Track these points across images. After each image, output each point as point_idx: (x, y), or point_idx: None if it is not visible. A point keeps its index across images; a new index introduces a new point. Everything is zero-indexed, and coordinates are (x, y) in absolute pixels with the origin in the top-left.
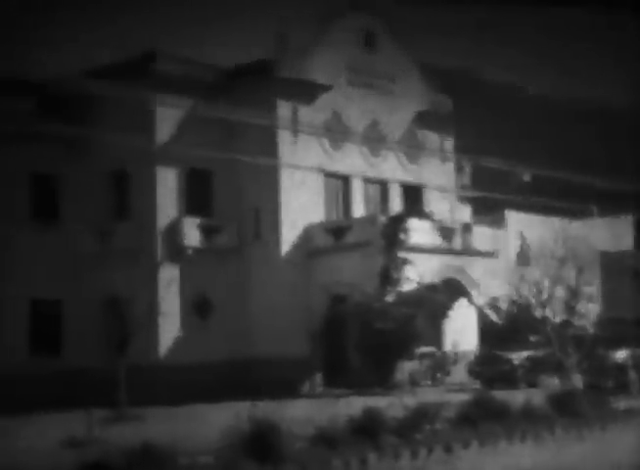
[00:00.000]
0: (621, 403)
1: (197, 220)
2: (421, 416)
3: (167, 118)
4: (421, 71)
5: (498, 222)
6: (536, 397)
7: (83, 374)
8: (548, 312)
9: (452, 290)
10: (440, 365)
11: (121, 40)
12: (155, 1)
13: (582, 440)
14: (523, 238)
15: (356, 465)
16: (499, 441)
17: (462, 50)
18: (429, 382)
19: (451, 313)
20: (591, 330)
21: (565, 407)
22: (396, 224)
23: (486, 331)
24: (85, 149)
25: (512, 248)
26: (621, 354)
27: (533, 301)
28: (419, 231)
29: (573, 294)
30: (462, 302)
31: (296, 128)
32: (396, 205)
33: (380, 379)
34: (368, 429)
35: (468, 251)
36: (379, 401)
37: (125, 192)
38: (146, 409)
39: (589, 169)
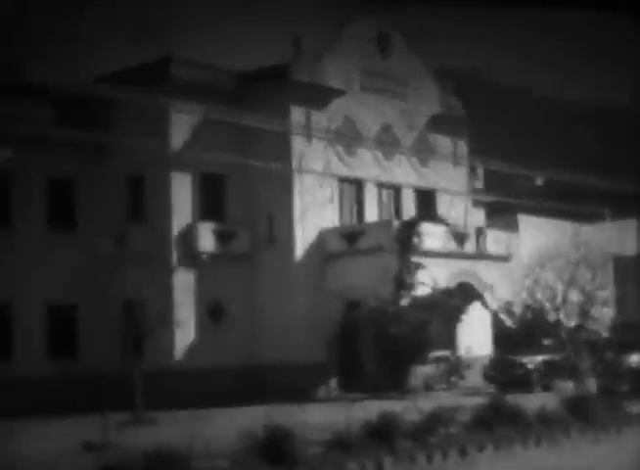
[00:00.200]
0: (636, 408)
1: (211, 225)
2: (436, 420)
3: (182, 123)
4: (433, 75)
5: (511, 226)
6: (551, 401)
7: (99, 378)
8: (562, 316)
9: (466, 294)
10: (455, 369)
11: (137, 45)
12: (170, 7)
13: (597, 444)
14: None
15: (372, 469)
16: (514, 445)
17: (473, 53)
18: (443, 386)
19: (465, 318)
20: (605, 334)
21: (579, 412)
22: (410, 229)
23: (500, 335)
24: (101, 154)
25: (525, 252)
26: (636, 358)
27: (547, 305)
28: (432, 236)
29: (587, 298)
30: (476, 306)
31: (309, 133)
32: (410, 209)
33: (394, 383)
34: (383, 433)
35: (481, 255)
36: (394, 406)
37: (141, 196)
38: (161, 413)
39: (599, 172)
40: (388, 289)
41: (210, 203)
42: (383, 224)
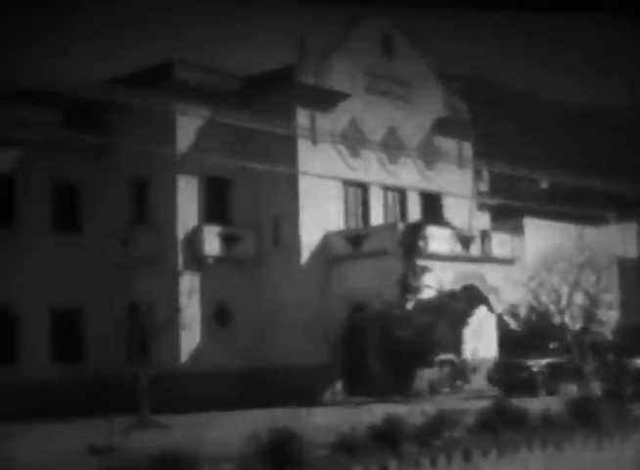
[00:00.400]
0: None
1: (217, 229)
2: (440, 424)
3: (187, 127)
4: (438, 78)
5: (516, 229)
6: (555, 404)
7: (104, 381)
8: (567, 319)
9: (471, 297)
10: (460, 373)
11: (141, 50)
12: (174, 10)
13: (602, 447)
14: None
15: None
16: (519, 449)
17: (478, 55)
18: (448, 389)
19: (470, 320)
20: (610, 337)
21: (584, 415)
22: (415, 232)
23: (505, 338)
24: (106, 157)
25: (530, 254)
26: None
27: (552, 307)
28: (438, 238)
29: (592, 301)
30: (481, 309)
31: (314, 136)
32: (415, 212)
33: (399, 386)
34: (388, 436)
35: (486, 258)
36: (399, 409)
37: (146, 200)
38: (167, 417)
39: (604, 175)
40: (394, 292)
41: (216, 206)
42: (388, 227)
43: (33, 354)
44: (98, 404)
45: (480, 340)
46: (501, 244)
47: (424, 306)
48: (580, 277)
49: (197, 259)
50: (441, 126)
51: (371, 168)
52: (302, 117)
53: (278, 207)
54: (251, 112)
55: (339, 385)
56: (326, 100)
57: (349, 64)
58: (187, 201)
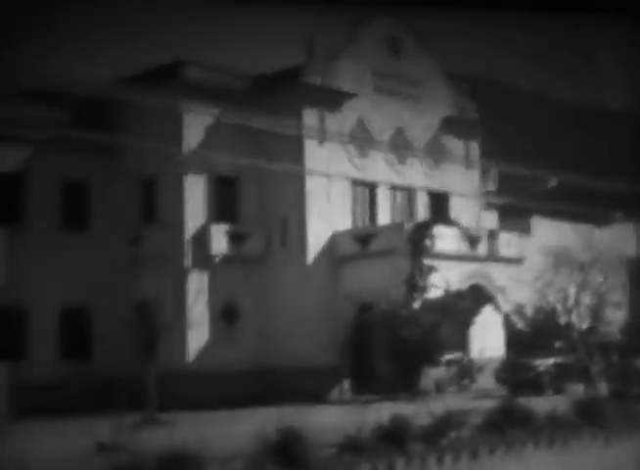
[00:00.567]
0: None
1: (224, 227)
2: (447, 423)
3: (196, 126)
4: (446, 77)
5: (523, 228)
6: (562, 404)
7: (112, 380)
8: (574, 319)
9: (478, 296)
10: (467, 372)
11: (150, 49)
12: (182, 10)
13: (608, 447)
14: None
15: None
16: (525, 448)
17: (485, 56)
18: (455, 388)
19: (477, 320)
20: (617, 337)
21: (590, 415)
22: (422, 231)
23: (512, 337)
24: (115, 156)
25: (537, 254)
26: None
27: (559, 307)
28: (445, 238)
29: (599, 300)
30: (488, 308)
31: (322, 136)
32: (422, 212)
33: (406, 386)
34: (395, 435)
35: (494, 257)
36: (405, 408)
37: (154, 198)
38: (174, 415)
39: (611, 175)
40: (401, 291)
41: (224, 205)
42: (395, 227)
43: (42, 352)
44: (105, 403)
45: (487, 339)
46: (508, 243)
47: (431, 306)
48: (587, 277)
49: (204, 258)
50: (449, 126)
51: (378, 168)
52: (310, 116)
53: (285, 206)
54: (258, 111)
55: (346, 384)
56: (333, 100)
57: (357, 64)
58: (195, 199)
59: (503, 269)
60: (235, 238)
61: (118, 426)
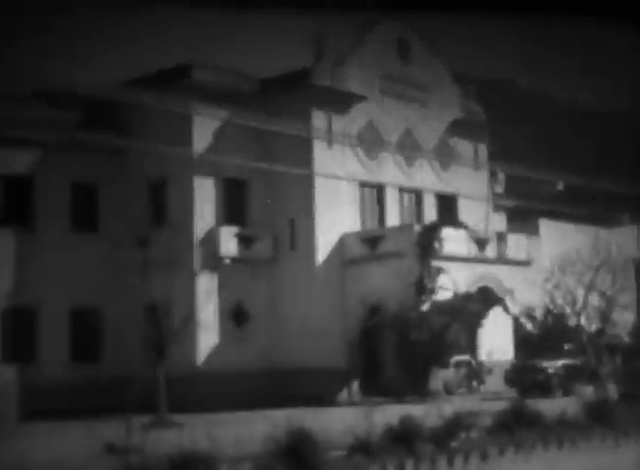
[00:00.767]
0: None
1: (233, 229)
2: (457, 424)
3: (204, 128)
4: (453, 80)
5: (532, 231)
6: (571, 406)
7: (122, 381)
8: (583, 321)
9: (487, 299)
10: (476, 374)
11: (160, 52)
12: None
13: (618, 448)
14: None
15: None
16: (535, 449)
17: (492, 58)
18: (464, 390)
19: (486, 322)
20: (626, 339)
21: (600, 416)
22: (431, 233)
23: (521, 340)
24: (124, 158)
25: (545, 256)
26: None
27: (568, 309)
28: (453, 240)
29: (608, 302)
30: (497, 310)
31: (330, 138)
32: (431, 214)
33: (415, 388)
34: (404, 437)
35: (502, 259)
36: (415, 410)
37: (163, 200)
38: (184, 416)
39: (619, 176)
40: (409, 293)
41: (233, 207)
42: (404, 229)
43: (52, 354)
44: (115, 404)
45: (496, 341)
46: (517, 245)
47: (439, 308)
48: (596, 279)
49: (213, 260)
50: (457, 128)
51: (387, 170)
52: (319, 118)
53: (294, 208)
54: (267, 113)
55: (355, 386)
56: (342, 102)
57: (365, 67)
58: (204, 201)
59: (511, 271)
60: (244, 240)
61: (128, 427)
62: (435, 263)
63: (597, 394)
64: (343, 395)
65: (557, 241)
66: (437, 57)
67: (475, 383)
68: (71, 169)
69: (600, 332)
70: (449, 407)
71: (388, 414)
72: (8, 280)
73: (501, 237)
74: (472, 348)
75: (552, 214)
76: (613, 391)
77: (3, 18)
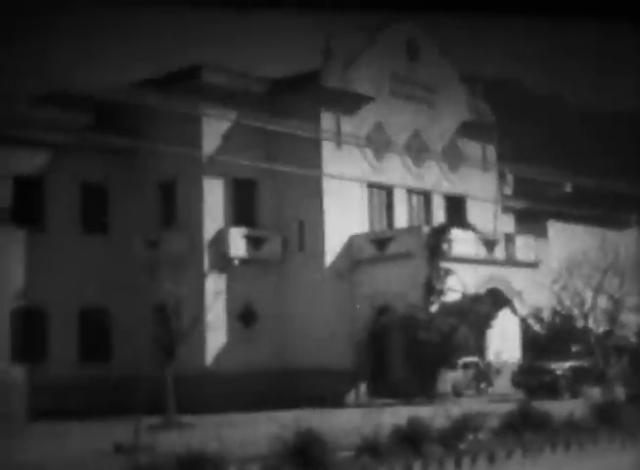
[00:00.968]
0: None
1: (242, 230)
2: (464, 426)
3: (214, 129)
4: (462, 81)
5: (540, 232)
6: (579, 407)
7: (131, 381)
8: (590, 323)
9: (495, 300)
10: (484, 375)
11: (169, 53)
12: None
13: (626, 450)
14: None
15: None
16: (542, 451)
17: (499, 59)
18: (472, 392)
19: (494, 323)
20: (634, 340)
21: (607, 418)
22: (439, 235)
23: (529, 341)
24: (134, 159)
25: (554, 258)
26: None
27: (576, 311)
28: (462, 241)
29: (616, 304)
30: (505, 312)
31: (339, 139)
32: (439, 215)
33: (423, 389)
34: (412, 438)
35: (510, 261)
36: (423, 411)
37: (173, 201)
38: (193, 417)
39: (627, 178)
40: (418, 295)
41: (242, 208)
42: (412, 230)
43: (62, 353)
44: (124, 404)
45: (504, 343)
46: (525, 247)
47: (448, 309)
48: (604, 281)
49: (222, 261)
50: (465, 130)
51: (395, 171)
52: (328, 119)
53: (303, 209)
54: (276, 114)
55: (363, 387)
56: (351, 103)
57: (374, 68)
58: (213, 202)
59: (520, 273)
60: (253, 241)
61: (137, 427)
62: (444, 265)
63: (604, 395)
64: (351, 396)
65: (565, 243)
66: (446, 58)
67: (483, 384)
68: (82, 171)
69: (608, 334)
70: (457, 409)
71: (396, 415)
72: (18, 280)
73: (509, 239)
74: (480, 349)
75: (560, 216)
76: (620, 392)
77: (14, 20)
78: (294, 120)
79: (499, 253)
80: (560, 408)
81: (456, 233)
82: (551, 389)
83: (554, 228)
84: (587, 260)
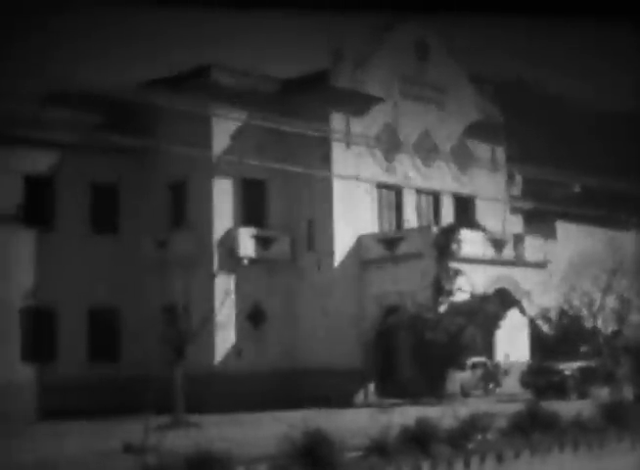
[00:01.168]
0: None
1: (251, 231)
2: (473, 426)
3: (224, 129)
4: (471, 82)
5: (549, 233)
6: (587, 408)
7: (140, 381)
8: (599, 323)
9: (503, 300)
10: (492, 376)
11: (179, 54)
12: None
13: (634, 450)
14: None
15: None
16: (551, 451)
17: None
18: (480, 392)
19: (503, 324)
20: None
21: (616, 418)
22: (448, 235)
23: (537, 341)
24: (144, 159)
25: (562, 258)
26: None
27: (584, 311)
28: (471, 242)
29: (624, 304)
30: (513, 312)
31: (349, 139)
32: (448, 215)
33: (431, 389)
34: (421, 438)
35: (519, 261)
36: (431, 411)
37: (183, 201)
38: (202, 417)
39: (635, 179)
40: (427, 295)
41: (251, 208)
42: (421, 230)
43: (71, 353)
44: (133, 403)
45: (512, 343)
46: (533, 248)
47: (457, 310)
48: (612, 281)
49: (232, 261)
50: (474, 130)
51: (405, 172)
52: (337, 120)
53: (312, 209)
54: (286, 115)
55: (371, 387)
56: (360, 104)
57: (384, 68)
58: (223, 203)
59: (528, 273)
60: (262, 241)
61: (146, 427)
62: (453, 265)
63: (613, 396)
64: (360, 396)
65: (573, 243)
66: (455, 59)
67: (491, 385)
68: (92, 171)
69: (616, 334)
70: (465, 409)
71: (405, 415)
72: (28, 280)
73: (518, 239)
74: (488, 349)
75: (569, 217)
76: (628, 393)
77: (24, 20)
78: (303, 121)
79: (508, 253)
80: (568, 409)
81: (465, 233)
82: (559, 389)
83: (562, 229)
84: (595, 261)
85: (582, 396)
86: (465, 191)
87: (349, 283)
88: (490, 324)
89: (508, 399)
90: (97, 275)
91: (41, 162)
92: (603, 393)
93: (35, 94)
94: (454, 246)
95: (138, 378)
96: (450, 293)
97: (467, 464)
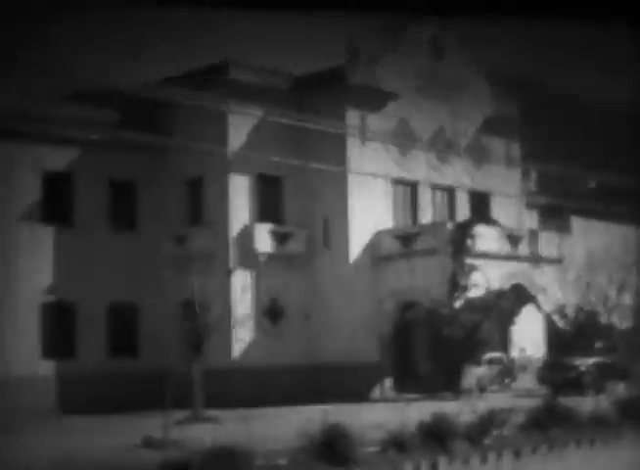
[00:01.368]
0: None
1: (268, 227)
2: (490, 421)
3: (240, 126)
4: (486, 78)
5: (564, 229)
6: (603, 403)
7: (159, 376)
8: (615, 319)
9: (519, 296)
10: (508, 371)
11: (195, 50)
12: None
13: None
14: None
15: (427, 469)
16: (568, 447)
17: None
18: (496, 387)
19: (519, 319)
20: None
21: (632, 414)
22: (464, 231)
23: (553, 337)
24: (162, 156)
25: (578, 254)
26: None
27: (600, 307)
28: (486, 238)
29: None
30: (529, 308)
31: (364, 135)
32: (463, 211)
33: (448, 384)
34: (438, 434)
35: (534, 257)
36: (448, 406)
37: (200, 198)
38: (220, 411)
39: None
40: (443, 290)
41: (268, 204)
42: (437, 226)
43: (90, 349)
44: (152, 399)
45: (529, 339)
46: (549, 243)
47: (472, 305)
48: (628, 277)
49: (249, 257)
50: (489, 126)
51: (420, 168)
52: (353, 116)
53: (328, 205)
54: (302, 111)
55: (388, 382)
56: (376, 100)
57: (399, 65)
58: (239, 199)
59: (544, 269)
60: (279, 237)
61: (165, 422)
62: (468, 261)
63: (629, 391)
64: (377, 391)
65: (589, 239)
66: (470, 55)
67: (507, 380)
68: (110, 168)
69: (632, 330)
70: (482, 404)
71: (422, 411)
72: (47, 276)
73: (533, 235)
74: (504, 345)
75: (584, 212)
76: None
77: (42, 17)
78: (319, 117)
79: (523, 249)
80: (584, 404)
81: (480, 229)
82: (575, 385)
83: (578, 224)
84: (611, 257)
85: (598, 391)
86: (480, 187)
87: (366, 279)
88: (506, 320)
89: (524, 395)
90: (116, 271)
91: (60, 159)
92: (619, 388)
93: (54, 92)
94: (469, 241)
95: (157, 373)
96: (466, 288)
97: (484, 460)
